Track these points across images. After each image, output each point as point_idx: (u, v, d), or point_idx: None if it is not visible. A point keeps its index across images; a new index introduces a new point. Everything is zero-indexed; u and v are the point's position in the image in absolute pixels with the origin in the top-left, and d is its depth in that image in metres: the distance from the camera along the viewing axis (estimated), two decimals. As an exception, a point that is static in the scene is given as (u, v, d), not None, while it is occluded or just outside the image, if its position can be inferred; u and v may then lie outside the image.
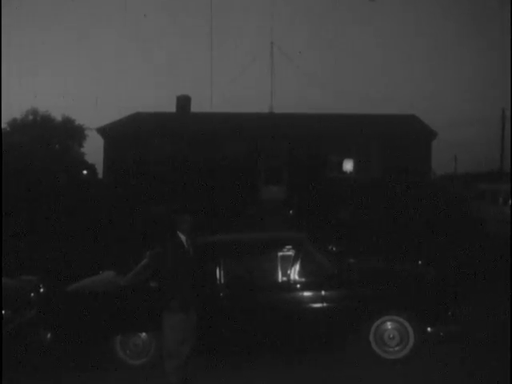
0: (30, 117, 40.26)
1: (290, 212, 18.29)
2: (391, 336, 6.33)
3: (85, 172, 35.16)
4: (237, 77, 35.35)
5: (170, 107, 29.10)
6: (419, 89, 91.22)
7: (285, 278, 6.44)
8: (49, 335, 6.51)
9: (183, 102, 28.85)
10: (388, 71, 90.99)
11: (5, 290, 7.27)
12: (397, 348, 6.33)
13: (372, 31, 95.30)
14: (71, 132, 40.22)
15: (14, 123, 38.90)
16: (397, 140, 25.27)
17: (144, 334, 6.47)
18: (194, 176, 22.91)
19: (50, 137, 37.85)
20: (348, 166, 25.55)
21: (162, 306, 5.55)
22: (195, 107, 29.33)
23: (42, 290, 8.12)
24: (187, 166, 23.97)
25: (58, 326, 6.54)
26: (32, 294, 7.89)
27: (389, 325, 6.36)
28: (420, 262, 8.04)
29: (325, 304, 6.34)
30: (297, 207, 18.63)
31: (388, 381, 5.79)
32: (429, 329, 6.28)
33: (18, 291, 7.70)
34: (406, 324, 6.32)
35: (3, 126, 36.93)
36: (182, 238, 5.67)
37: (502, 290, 8.68)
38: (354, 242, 11.63)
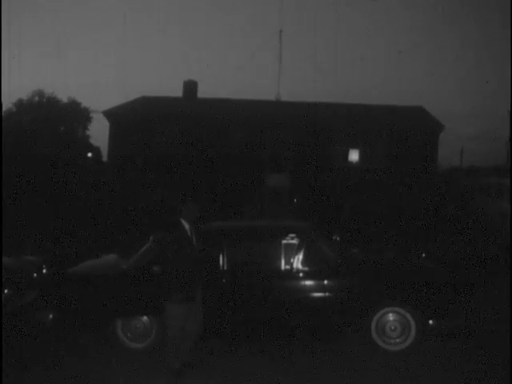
0: (36, 98, 40.11)
1: (295, 200, 18.27)
2: (393, 327, 6.32)
3: (89, 155, 35.17)
4: (244, 64, 35.16)
5: (177, 92, 28.97)
6: (428, 81, 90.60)
7: (288, 267, 6.42)
8: (51, 316, 6.52)
9: (190, 87, 28.72)
10: (397, 62, 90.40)
11: (7, 269, 7.27)
12: (398, 340, 6.32)
13: (382, 22, 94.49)
14: (77, 114, 40.07)
15: (19, 104, 38.77)
16: (404, 132, 25.16)
17: (145, 318, 6.47)
18: (199, 162, 22.87)
19: (56, 118, 37.72)
20: (354, 156, 25.47)
21: (164, 296, 5.51)
22: (202, 93, 29.22)
23: (44, 270, 8.13)
24: (192, 152, 23.93)
25: (60, 307, 6.55)
26: (35, 275, 7.89)
27: (390, 316, 6.35)
28: (423, 255, 8.03)
29: (327, 293, 6.33)
30: (301, 196, 18.60)
31: (388, 372, 5.79)
32: (430, 321, 6.27)
33: (21, 271, 7.70)
34: (408, 316, 6.31)
35: (9, 106, 36.88)
36: (186, 225, 5.60)
37: (505, 284, 8.64)
38: (358, 233, 11.61)
